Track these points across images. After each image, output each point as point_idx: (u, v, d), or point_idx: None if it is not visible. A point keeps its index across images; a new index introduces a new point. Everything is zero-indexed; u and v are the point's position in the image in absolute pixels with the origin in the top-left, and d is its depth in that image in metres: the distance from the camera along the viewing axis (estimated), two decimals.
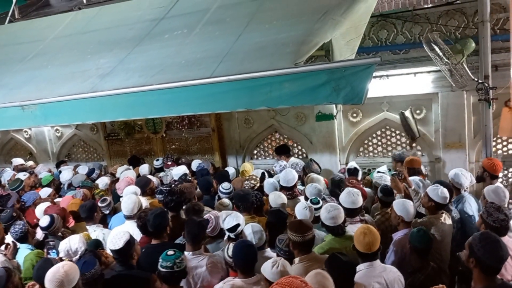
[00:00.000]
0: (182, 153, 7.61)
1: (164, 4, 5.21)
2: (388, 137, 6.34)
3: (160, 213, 3.72)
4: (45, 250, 3.95)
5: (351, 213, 3.83)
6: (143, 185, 5.11)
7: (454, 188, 4.35)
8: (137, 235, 3.81)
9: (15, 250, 4.09)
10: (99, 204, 4.78)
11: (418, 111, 5.92)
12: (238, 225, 3.54)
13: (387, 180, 4.85)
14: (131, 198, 4.31)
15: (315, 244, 3.53)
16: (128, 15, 5.40)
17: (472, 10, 5.38)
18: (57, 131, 8.82)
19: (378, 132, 6.39)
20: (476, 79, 5.02)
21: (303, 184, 5.27)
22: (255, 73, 3.08)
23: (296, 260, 3.23)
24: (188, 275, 3.22)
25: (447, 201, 3.90)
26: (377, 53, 5.84)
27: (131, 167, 6.72)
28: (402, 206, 3.77)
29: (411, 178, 4.55)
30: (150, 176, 5.69)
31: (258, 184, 5.03)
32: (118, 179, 6.02)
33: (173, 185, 5.09)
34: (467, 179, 4.36)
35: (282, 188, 4.71)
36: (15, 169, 7.53)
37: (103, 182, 5.93)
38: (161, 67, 3.82)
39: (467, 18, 5.45)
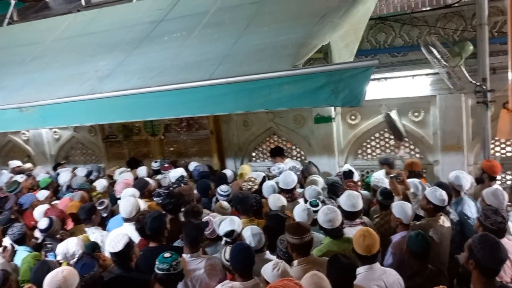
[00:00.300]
0: (180, 155, 7.61)
1: (163, 6, 5.21)
2: (387, 140, 6.35)
3: (158, 216, 3.72)
4: (43, 252, 3.94)
5: (351, 216, 3.83)
6: (141, 187, 5.10)
7: (454, 190, 4.35)
8: (135, 238, 3.80)
9: (13, 252, 4.08)
10: (97, 207, 4.76)
11: (416, 114, 5.94)
12: (232, 231, 3.52)
13: (384, 182, 4.85)
14: (129, 200, 4.31)
15: (314, 246, 3.53)
16: (127, 18, 5.40)
17: (470, 13, 5.40)
18: (55, 133, 8.81)
19: (377, 135, 6.39)
20: (474, 82, 5.03)
21: (301, 187, 5.27)
22: (254, 75, 3.08)
23: (295, 262, 3.23)
24: (186, 277, 3.21)
25: (446, 203, 3.90)
26: (375, 55, 5.87)
27: (129, 169, 6.72)
28: (400, 208, 3.77)
29: (409, 181, 4.55)
30: (147, 179, 5.68)
31: (256, 187, 5.03)
32: (115, 181, 6.02)
33: (171, 188, 5.08)
34: (468, 182, 4.37)
35: (282, 191, 4.71)
36: (12, 171, 7.51)
37: (101, 184, 5.92)
38: (160, 69, 3.82)
39: (465, 21, 5.47)
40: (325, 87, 2.86)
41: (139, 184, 5.22)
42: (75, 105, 3.78)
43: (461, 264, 3.07)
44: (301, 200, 4.63)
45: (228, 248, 3.22)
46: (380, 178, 5.07)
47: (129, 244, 3.31)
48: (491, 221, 3.21)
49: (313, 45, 3.39)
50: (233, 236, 3.54)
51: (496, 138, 5.54)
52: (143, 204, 4.52)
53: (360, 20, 3.98)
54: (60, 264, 3.46)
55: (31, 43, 5.72)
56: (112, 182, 6.19)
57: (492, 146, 5.41)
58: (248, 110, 3.44)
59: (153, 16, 5.09)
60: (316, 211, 3.86)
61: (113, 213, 4.97)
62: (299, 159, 6.90)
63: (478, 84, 5.03)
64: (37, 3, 9.49)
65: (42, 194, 5.77)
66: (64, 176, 6.52)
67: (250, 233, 3.37)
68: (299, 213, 3.81)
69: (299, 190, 5.02)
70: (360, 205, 3.86)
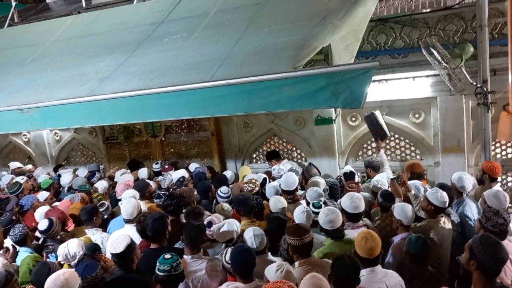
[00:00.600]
0: (181, 157, 7.61)
1: (164, 8, 5.22)
2: (387, 141, 6.34)
3: (159, 217, 3.71)
4: (44, 253, 3.94)
5: (355, 218, 3.82)
6: (142, 188, 5.10)
7: (456, 192, 4.34)
8: (137, 239, 3.80)
9: (15, 253, 4.08)
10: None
11: (416, 115, 5.93)
12: (232, 239, 3.56)
13: (384, 184, 4.85)
14: (130, 201, 4.30)
15: (315, 248, 3.52)
16: (127, 19, 5.41)
17: (470, 15, 5.40)
18: (56, 134, 8.81)
19: None
20: (474, 83, 5.03)
21: (302, 188, 5.26)
22: (254, 77, 3.08)
23: (296, 264, 3.23)
24: (187, 278, 3.22)
25: (446, 205, 3.89)
26: (375, 57, 5.86)
27: (129, 170, 6.72)
28: (401, 210, 3.77)
29: (410, 182, 4.55)
30: (147, 180, 5.68)
31: (257, 188, 5.02)
32: (116, 183, 6.02)
33: (171, 189, 5.08)
34: (470, 183, 4.37)
35: (284, 192, 4.71)
36: (13, 173, 7.51)
37: (102, 186, 5.92)
38: (160, 71, 3.83)
39: (465, 23, 5.47)
40: (325, 89, 2.87)
41: (140, 185, 5.22)
42: (76, 106, 3.78)
43: (462, 265, 3.07)
44: (303, 202, 4.63)
45: (229, 250, 3.21)
46: (380, 180, 5.06)
47: (131, 245, 3.31)
48: (493, 223, 3.21)
49: (313, 47, 3.40)
50: (233, 241, 3.55)
51: (497, 140, 5.54)
52: (143, 206, 4.52)
53: (360, 22, 3.99)
54: (61, 266, 3.46)
55: (31, 45, 5.73)
56: (112, 184, 6.19)
57: (492, 147, 5.40)
58: (248, 112, 3.45)
59: (153, 18, 5.10)
60: (317, 213, 3.85)
61: (114, 214, 4.97)
62: (299, 160, 6.90)
63: (478, 85, 5.03)
64: (38, 4, 9.52)
65: (43, 195, 5.77)
66: (66, 177, 6.52)
67: (252, 234, 3.36)
68: (298, 215, 3.81)
69: (299, 192, 5.01)
70: (362, 206, 3.84)
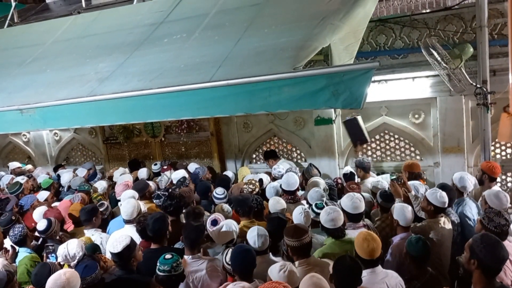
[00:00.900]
0: (180, 157, 7.61)
1: (163, 8, 5.22)
2: (387, 142, 6.35)
3: (160, 218, 3.72)
4: (45, 254, 3.94)
5: (355, 218, 3.82)
6: (141, 188, 5.10)
7: (457, 192, 4.35)
8: (136, 240, 3.79)
9: (14, 254, 4.08)
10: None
11: (416, 116, 5.94)
12: (232, 239, 3.57)
13: (383, 185, 4.85)
14: (130, 202, 4.30)
15: (315, 248, 3.53)
16: (127, 20, 5.41)
17: (470, 15, 5.40)
18: (56, 134, 8.81)
19: (377, 137, 6.39)
20: (474, 84, 5.03)
21: (302, 189, 5.26)
22: (254, 77, 3.08)
23: (296, 264, 3.23)
24: (187, 278, 3.22)
25: (446, 205, 3.89)
26: (375, 57, 5.86)
27: (127, 169, 6.72)
28: (399, 211, 3.77)
29: (410, 183, 4.56)
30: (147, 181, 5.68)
31: (257, 189, 5.02)
32: (115, 183, 6.01)
33: (170, 190, 5.08)
34: (472, 183, 4.38)
35: (285, 192, 4.72)
36: (13, 173, 7.52)
37: (101, 186, 5.92)
38: (160, 71, 3.82)
39: (465, 23, 5.47)
40: (325, 89, 2.86)
41: (139, 185, 5.22)
42: (75, 107, 3.78)
43: (462, 265, 3.07)
44: (304, 202, 4.64)
45: (230, 251, 3.21)
46: (379, 180, 5.07)
47: (130, 246, 3.29)
48: (495, 224, 3.21)
49: (313, 48, 3.40)
50: (234, 241, 3.56)
51: (497, 140, 5.54)
52: (143, 206, 4.52)
53: (360, 22, 3.99)
54: (61, 266, 3.45)
55: (31, 45, 5.73)
56: (111, 184, 6.19)
57: (492, 148, 5.40)
58: (248, 112, 3.45)
59: (153, 18, 5.10)
60: (319, 214, 3.85)
61: (114, 214, 4.97)
62: (299, 161, 6.90)
63: (478, 86, 5.03)
64: (38, 5, 9.53)
65: (43, 195, 5.77)
66: (66, 177, 6.53)
67: (256, 233, 3.36)
68: (296, 216, 3.82)
69: (299, 193, 5.01)
70: (362, 207, 3.85)
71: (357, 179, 5.57)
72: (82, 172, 6.80)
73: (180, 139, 7.56)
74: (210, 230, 3.72)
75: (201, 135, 7.38)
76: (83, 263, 3.16)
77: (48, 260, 3.76)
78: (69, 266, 3.48)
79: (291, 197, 4.67)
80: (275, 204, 4.25)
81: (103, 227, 4.66)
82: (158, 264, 3.01)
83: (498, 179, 5.03)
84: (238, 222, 4.00)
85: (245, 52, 3.70)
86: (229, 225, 3.66)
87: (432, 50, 4.83)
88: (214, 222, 3.78)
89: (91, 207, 4.57)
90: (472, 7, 5.30)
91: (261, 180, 5.37)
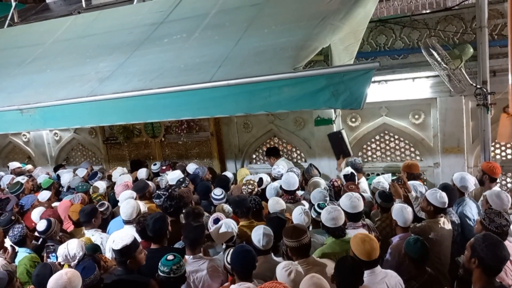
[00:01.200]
0: (181, 157, 7.61)
1: (163, 8, 5.22)
2: (387, 142, 6.34)
3: (160, 218, 3.71)
4: (45, 254, 3.93)
5: (354, 217, 3.83)
6: (141, 188, 5.10)
7: (458, 192, 4.35)
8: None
9: (14, 254, 4.07)
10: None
11: (416, 116, 5.94)
12: (232, 237, 3.57)
13: (385, 185, 4.85)
14: (129, 202, 4.30)
15: (315, 248, 3.53)
16: (127, 20, 5.41)
17: (470, 16, 5.40)
18: (56, 134, 8.81)
19: (377, 137, 6.39)
20: (474, 84, 5.03)
21: (302, 189, 5.26)
22: (254, 77, 3.09)
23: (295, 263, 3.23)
24: (188, 278, 3.22)
25: (446, 205, 3.89)
26: (375, 58, 5.86)
27: (125, 169, 6.72)
28: (398, 211, 3.79)
29: (410, 183, 4.56)
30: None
31: (256, 189, 5.02)
32: (115, 183, 6.01)
33: (170, 190, 5.08)
34: (472, 183, 4.39)
35: (285, 192, 4.72)
36: (13, 173, 7.52)
37: (101, 186, 5.92)
38: (160, 71, 3.83)
39: (465, 24, 5.47)
40: (325, 89, 2.87)
41: (139, 185, 5.22)
42: (76, 107, 3.78)
43: (462, 265, 3.07)
44: (304, 202, 4.63)
45: (231, 251, 3.22)
46: (379, 181, 5.07)
47: (130, 246, 3.22)
48: (496, 224, 3.21)
49: (313, 48, 3.40)
50: (233, 239, 3.56)
51: (496, 141, 5.54)
52: (143, 206, 4.51)
53: (360, 23, 3.99)
54: (61, 266, 3.45)
55: (31, 45, 5.73)
56: (111, 184, 6.19)
57: (492, 148, 5.40)
58: (248, 112, 3.45)
59: (153, 18, 5.10)
60: (320, 214, 3.85)
61: (114, 215, 4.96)
62: (299, 161, 6.90)
63: (478, 86, 5.03)
64: (38, 4, 9.52)
65: (44, 195, 5.77)
66: (67, 176, 6.54)
67: (262, 232, 3.35)
68: (296, 216, 3.82)
69: (299, 192, 5.01)
70: (360, 206, 3.86)
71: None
72: (82, 172, 6.80)
73: (180, 139, 7.56)
74: (211, 229, 3.72)
75: (201, 135, 7.38)
76: (82, 264, 3.15)
77: (48, 260, 3.76)
78: (69, 266, 3.48)
79: (291, 197, 4.67)
80: (275, 204, 4.25)
81: (104, 227, 4.65)
82: (160, 265, 3.03)
83: (498, 179, 5.02)
84: (238, 223, 4.00)
85: (245, 52, 3.70)
86: (228, 224, 3.66)
87: (432, 50, 4.83)
88: (217, 221, 3.80)
89: (90, 209, 4.53)
90: (472, 7, 5.30)
91: (260, 180, 5.37)
